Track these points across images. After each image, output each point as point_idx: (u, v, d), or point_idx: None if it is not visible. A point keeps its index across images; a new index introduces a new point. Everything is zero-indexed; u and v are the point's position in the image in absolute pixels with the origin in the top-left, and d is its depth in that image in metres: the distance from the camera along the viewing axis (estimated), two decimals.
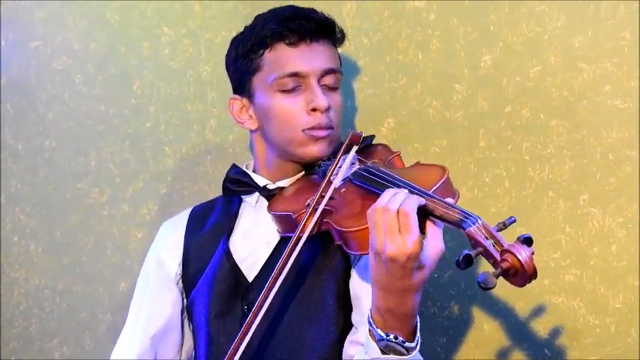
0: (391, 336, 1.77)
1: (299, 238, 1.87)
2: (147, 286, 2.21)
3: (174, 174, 2.63)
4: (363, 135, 2.00)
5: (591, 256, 2.25)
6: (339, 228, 1.84)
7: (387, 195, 1.74)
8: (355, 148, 1.96)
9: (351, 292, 2.00)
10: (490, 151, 2.33)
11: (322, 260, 2.01)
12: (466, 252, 1.62)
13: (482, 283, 1.59)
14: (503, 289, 2.29)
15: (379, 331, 1.78)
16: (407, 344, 1.77)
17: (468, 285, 2.35)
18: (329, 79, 2.07)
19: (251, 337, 1.92)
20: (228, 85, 2.48)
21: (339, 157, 1.94)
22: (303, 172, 2.12)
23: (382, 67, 2.42)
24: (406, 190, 1.75)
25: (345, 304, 2.00)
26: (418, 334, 1.80)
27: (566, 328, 2.27)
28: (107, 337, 2.67)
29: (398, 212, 1.69)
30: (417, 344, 1.79)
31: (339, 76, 2.10)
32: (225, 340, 2.05)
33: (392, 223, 1.69)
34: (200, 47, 2.60)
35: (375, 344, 1.79)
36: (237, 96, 2.14)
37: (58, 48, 2.71)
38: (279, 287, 1.90)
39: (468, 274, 2.25)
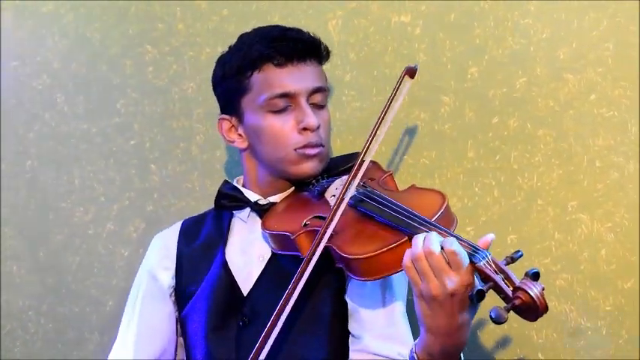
0: None
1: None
2: (138, 299, 2.22)
3: (161, 191, 2.63)
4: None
5: (581, 261, 2.31)
6: (343, 254, 1.86)
7: (420, 240, 1.74)
8: (409, 82, 2.01)
9: (348, 304, 2.04)
10: (479, 161, 2.38)
11: (317, 274, 2.01)
12: (478, 287, 1.67)
13: (495, 318, 1.63)
14: (495, 296, 2.35)
15: None
16: None
17: None
18: (317, 98, 2.12)
19: (246, 346, 1.99)
20: (214, 102, 2.50)
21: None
22: (293, 188, 2.16)
23: (369, 80, 2.46)
24: (435, 232, 1.76)
25: (340, 317, 2.04)
26: None
27: (558, 331, 2.32)
28: (95, 356, 2.66)
29: (446, 253, 1.71)
30: None
31: (326, 94, 2.15)
32: (221, 355, 2.08)
33: (440, 264, 1.71)
34: (184, 64, 2.61)
35: None
36: (225, 115, 2.18)
37: (37, 67, 2.71)
38: (274, 299, 1.93)
39: None
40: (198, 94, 2.59)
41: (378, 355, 1.97)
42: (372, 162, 2.15)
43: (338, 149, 2.43)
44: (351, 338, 2.03)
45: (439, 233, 1.76)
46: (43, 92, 2.71)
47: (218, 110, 2.52)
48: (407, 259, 1.75)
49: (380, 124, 1.96)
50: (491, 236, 1.75)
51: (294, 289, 1.86)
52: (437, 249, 1.71)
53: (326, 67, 2.19)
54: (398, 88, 1.98)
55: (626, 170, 2.29)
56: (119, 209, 2.66)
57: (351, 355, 2.01)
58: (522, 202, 2.35)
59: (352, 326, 2.03)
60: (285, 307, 1.86)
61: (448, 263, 1.70)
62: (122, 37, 2.65)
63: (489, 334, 2.37)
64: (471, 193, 2.38)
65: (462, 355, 1.84)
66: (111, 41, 2.66)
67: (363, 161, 1.95)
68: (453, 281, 1.70)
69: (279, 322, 1.86)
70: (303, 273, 1.87)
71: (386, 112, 1.96)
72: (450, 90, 2.40)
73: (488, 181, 2.38)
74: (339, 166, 2.14)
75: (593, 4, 2.30)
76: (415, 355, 1.82)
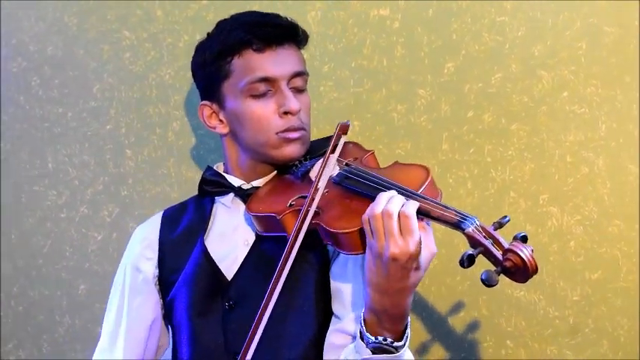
0: (380, 338, 1.86)
1: (294, 242, 1.92)
2: (124, 293, 2.22)
3: (136, 176, 2.65)
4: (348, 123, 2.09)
5: (551, 252, 2.38)
6: (331, 230, 1.90)
7: (384, 199, 1.81)
8: (344, 138, 2.03)
9: (331, 284, 2.08)
10: (453, 154, 2.44)
11: (300, 253, 2.02)
12: (469, 252, 1.71)
13: (485, 280, 1.68)
14: (466, 284, 2.42)
15: (369, 334, 1.87)
16: (396, 344, 1.87)
17: (432, 281, 2.45)
18: (297, 82, 2.13)
19: (233, 329, 2.04)
20: (191, 89, 2.54)
21: (327, 154, 2.00)
22: (275, 172, 2.19)
23: (347, 72, 2.51)
24: (401, 196, 1.81)
25: (323, 296, 2.07)
26: (408, 332, 1.89)
27: (527, 320, 2.40)
28: (65, 339, 2.68)
29: (399, 215, 1.77)
30: (405, 342, 1.88)
31: (306, 78, 2.16)
32: (208, 338, 2.10)
33: (393, 226, 1.77)
34: (162, 51, 2.63)
35: (364, 345, 1.87)
36: (206, 102, 2.18)
37: (12, 50, 2.70)
38: (260, 281, 2.00)
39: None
40: (176, 81, 2.61)
41: (355, 336, 1.99)
42: (354, 143, 2.19)
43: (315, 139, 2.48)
44: (333, 318, 2.06)
45: (424, 203, 1.81)
46: (17, 75, 2.71)
47: (195, 97, 2.55)
48: (366, 214, 1.81)
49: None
50: None
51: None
52: (395, 213, 1.77)
53: (304, 57, 2.23)
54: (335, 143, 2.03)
55: (595, 165, 2.37)
56: (93, 193, 2.67)
57: (329, 334, 2.04)
58: (495, 195, 2.42)
59: (335, 306, 2.06)
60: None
61: (399, 225, 1.77)
62: (100, 22, 2.66)
63: (459, 321, 2.43)
64: (444, 185, 2.43)
65: (408, 320, 1.89)
66: (88, 26, 2.66)
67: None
68: (397, 247, 1.77)
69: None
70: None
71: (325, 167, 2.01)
72: (427, 83, 2.46)
73: (462, 174, 2.44)
74: (321, 148, 2.18)
75: (568, 4, 2.38)
76: (362, 315, 1.89)
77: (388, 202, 1.80)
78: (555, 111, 2.39)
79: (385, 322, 1.86)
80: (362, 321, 1.88)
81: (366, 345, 1.87)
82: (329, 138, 2.21)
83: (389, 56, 2.48)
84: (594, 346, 2.36)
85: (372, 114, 2.49)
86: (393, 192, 1.83)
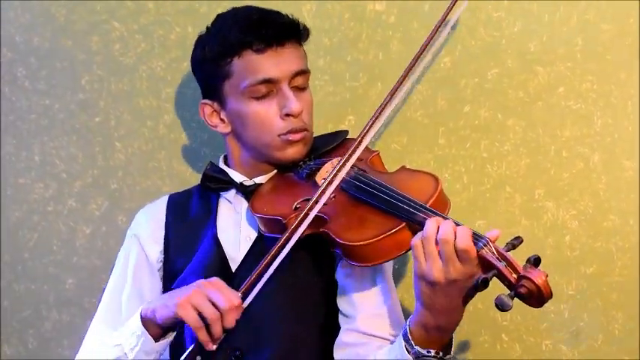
0: (432, 352, 1.86)
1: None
2: (130, 268, 2.21)
3: (126, 169, 2.62)
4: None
5: (546, 247, 2.40)
6: (341, 241, 1.89)
7: (434, 224, 1.79)
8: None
9: (338, 283, 2.07)
10: (449, 149, 2.45)
11: (304, 252, 2.04)
12: (483, 277, 1.71)
13: (500, 305, 1.68)
14: None
15: (418, 347, 1.86)
16: (446, 357, 1.88)
17: None
18: (299, 80, 2.12)
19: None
20: (183, 82, 2.52)
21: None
22: (276, 170, 2.17)
23: (343, 66, 2.50)
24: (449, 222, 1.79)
25: (329, 294, 2.07)
26: (453, 344, 1.90)
27: (522, 314, 2.41)
28: (52, 335, 2.64)
29: (456, 248, 1.75)
30: (451, 355, 1.90)
31: (308, 75, 2.15)
32: None
33: (450, 253, 1.76)
34: (153, 43, 2.60)
35: (410, 357, 1.87)
36: (207, 100, 2.16)
37: None
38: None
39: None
40: (167, 74, 2.58)
41: (369, 334, 2.01)
42: None
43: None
44: (341, 317, 2.06)
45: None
46: (2, 66, 2.65)
47: (188, 90, 2.54)
48: (417, 239, 1.79)
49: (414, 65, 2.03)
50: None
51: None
52: (451, 239, 1.76)
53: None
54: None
55: (591, 161, 2.39)
56: (81, 186, 2.63)
57: (342, 334, 2.04)
58: (491, 189, 2.43)
59: (342, 305, 2.06)
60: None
61: (456, 252, 1.76)
62: (88, 13, 2.62)
63: None
64: (441, 179, 2.44)
65: (453, 336, 1.91)
66: (77, 16, 2.62)
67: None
68: (457, 271, 1.76)
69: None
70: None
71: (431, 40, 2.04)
72: (423, 78, 2.46)
73: (458, 168, 2.45)
74: (324, 146, 2.17)
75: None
76: (408, 329, 1.87)
77: (441, 227, 1.78)
78: (551, 106, 2.40)
79: (434, 336, 1.86)
80: (408, 333, 1.87)
81: (413, 357, 1.86)
82: (333, 135, 2.21)
83: (385, 50, 2.48)
84: (589, 339, 2.38)
85: (368, 108, 2.47)
86: (440, 219, 1.81)
